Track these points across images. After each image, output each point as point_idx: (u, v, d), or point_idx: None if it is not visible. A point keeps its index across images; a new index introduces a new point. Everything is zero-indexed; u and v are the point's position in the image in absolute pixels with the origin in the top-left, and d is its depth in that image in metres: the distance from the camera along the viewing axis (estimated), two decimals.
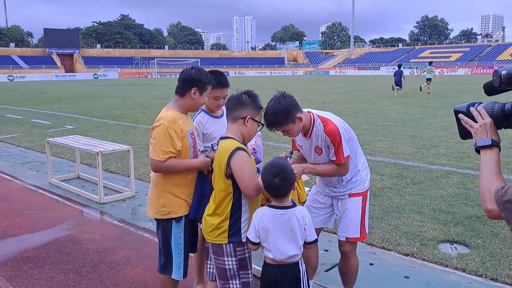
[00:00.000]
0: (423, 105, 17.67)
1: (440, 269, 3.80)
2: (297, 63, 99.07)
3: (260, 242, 2.46)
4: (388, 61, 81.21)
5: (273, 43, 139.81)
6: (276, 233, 2.41)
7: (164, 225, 2.87)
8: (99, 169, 5.77)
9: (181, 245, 2.86)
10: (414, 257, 4.03)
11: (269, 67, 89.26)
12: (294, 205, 2.44)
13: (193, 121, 3.20)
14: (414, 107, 16.75)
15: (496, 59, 66.38)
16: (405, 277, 3.68)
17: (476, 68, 61.00)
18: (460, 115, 1.85)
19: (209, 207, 2.59)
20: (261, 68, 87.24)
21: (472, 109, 1.79)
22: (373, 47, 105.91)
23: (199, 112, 3.26)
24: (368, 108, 16.68)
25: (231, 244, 2.46)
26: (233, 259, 2.47)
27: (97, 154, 5.69)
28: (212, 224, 2.50)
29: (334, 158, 2.80)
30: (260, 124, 2.54)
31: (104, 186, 6.05)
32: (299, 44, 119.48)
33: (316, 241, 2.48)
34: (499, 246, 4.14)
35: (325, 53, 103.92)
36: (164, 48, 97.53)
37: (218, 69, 3.22)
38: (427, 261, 3.95)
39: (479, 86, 29.93)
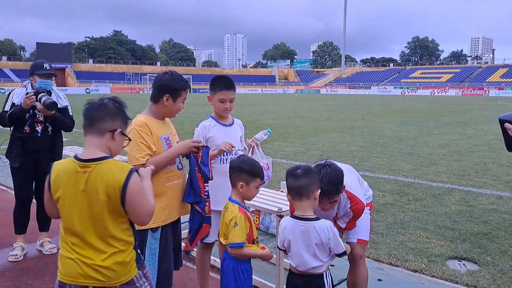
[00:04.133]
0: (418, 123, 17.79)
1: (451, 285, 3.71)
2: (288, 81, 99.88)
3: (285, 250, 2.46)
4: (379, 81, 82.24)
5: (264, 61, 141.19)
6: (296, 243, 2.35)
7: (139, 236, 2.62)
8: None
9: (155, 256, 2.67)
10: (423, 273, 3.94)
11: (260, 85, 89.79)
12: (317, 218, 2.36)
13: (198, 126, 3.14)
14: (408, 126, 16.86)
15: (486, 80, 67.60)
16: None
17: (467, 89, 62.03)
18: (507, 125, 1.78)
19: (99, 252, 1.93)
20: (252, 86, 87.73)
21: None
22: (364, 66, 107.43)
23: (207, 118, 3.21)
24: (362, 126, 16.73)
25: (140, 271, 2.06)
26: (145, 282, 2.09)
27: None
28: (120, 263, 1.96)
29: (346, 221, 2.83)
30: (128, 139, 2.12)
31: None
32: (290, 62, 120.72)
33: (344, 254, 2.38)
34: (509, 264, 4.06)
35: (316, 71, 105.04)
36: (156, 64, 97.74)
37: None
38: (436, 277, 3.86)
39: (471, 107, 30.36)
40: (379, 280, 3.81)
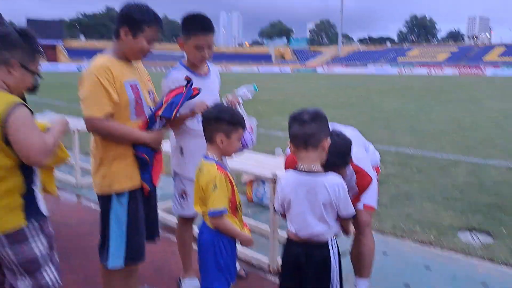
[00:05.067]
0: (418, 100, 17.33)
1: (464, 259, 3.34)
2: (285, 60, 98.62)
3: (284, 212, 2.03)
4: (376, 60, 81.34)
5: (261, 39, 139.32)
6: (299, 204, 1.93)
7: (103, 201, 2.28)
8: (76, 148, 5.17)
9: (122, 225, 2.26)
10: (433, 245, 3.57)
11: (256, 63, 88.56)
12: (325, 172, 1.93)
13: (167, 77, 2.58)
14: (409, 102, 16.40)
15: (483, 60, 66.97)
16: (425, 267, 3.20)
17: (464, 68, 61.42)
18: None
19: None
20: (248, 64, 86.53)
21: None
22: (361, 45, 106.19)
23: (177, 66, 2.64)
24: (361, 103, 16.27)
25: (31, 223, 1.84)
26: (42, 237, 1.87)
27: (74, 132, 5.09)
28: None
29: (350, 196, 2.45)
30: (36, 74, 1.89)
31: (81, 169, 5.45)
32: (287, 40, 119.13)
33: (353, 215, 1.98)
34: None
35: (313, 50, 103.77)
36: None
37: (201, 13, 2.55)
38: (447, 249, 3.49)
39: (469, 85, 29.93)
40: (385, 253, 3.42)
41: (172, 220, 3.95)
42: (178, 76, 2.57)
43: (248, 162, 3.46)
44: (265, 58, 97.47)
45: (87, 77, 2.15)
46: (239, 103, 2.66)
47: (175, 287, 2.87)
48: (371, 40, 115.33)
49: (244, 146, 2.56)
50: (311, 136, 1.89)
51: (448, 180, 5.41)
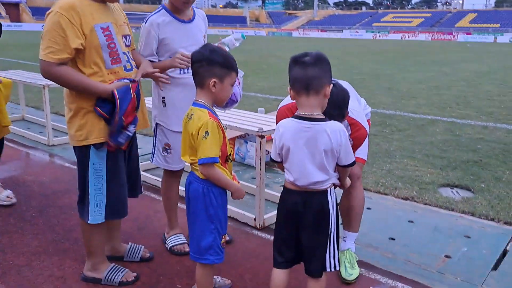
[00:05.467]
0: (394, 62, 17.41)
1: (446, 213, 3.38)
2: (260, 23, 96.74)
3: (282, 161, 1.93)
4: (352, 24, 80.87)
5: (234, 1, 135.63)
6: (299, 152, 1.83)
7: (81, 154, 2.14)
8: (46, 105, 4.89)
9: (101, 178, 2.14)
10: (415, 201, 3.60)
11: (230, 26, 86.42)
12: (326, 118, 1.83)
13: (146, 22, 2.39)
14: (385, 64, 16.45)
15: (456, 25, 67.60)
16: (409, 221, 3.23)
17: (437, 34, 61.91)
18: None
19: None
20: (222, 27, 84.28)
21: None
22: (336, 9, 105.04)
23: (159, 9, 2.44)
24: (338, 64, 16.16)
25: None
26: None
27: (43, 88, 4.80)
28: None
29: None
30: None
31: (53, 129, 5.19)
32: (262, 3, 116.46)
33: (353, 163, 1.89)
34: (505, 190, 3.78)
35: (288, 13, 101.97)
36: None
37: None
38: (429, 205, 3.52)
39: (443, 49, 30.19)
40: (368, 208, 3.42)
41: (153, 177, 3.83)
42: (158, 20, 2.40)
43: (233, 118, 3.34)
44: (240, 21, 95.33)
45: (50, 16, 1.96)
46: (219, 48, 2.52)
47: (160, 243, 2.79)
48: (346, 4, 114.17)
49: (233, 100, 2.44)
50: (313, 79, 1.77)
51: (427, 138, 5.47)
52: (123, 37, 2.20)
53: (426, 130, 5.93)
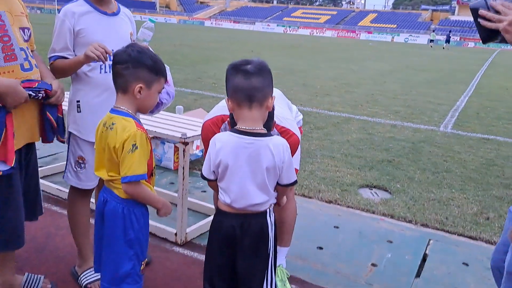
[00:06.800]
0: (306, 57, 17.91)
1: (368, 216, 3.42)
2: (170, 10, 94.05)
3: (217, 179, 1.70)
4: (263, 17, 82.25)
5: None
6: (238, 170, 1.63)
7: None
8: None
9: None
10: (338, 204, 3.60)
11: (139, 11, 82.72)
12: (269, 134, 1.66)
13: (60, 12, 2.05)
14: (297, 59, 16.83)
15: (358, 24, 72.13)
16: (334, 227, 3.20)
17: (342, 31, 65.48)
18: (482, 11, 1.54)
19: None
20: (130, 12, 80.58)
21: (493, 3, 1.55)
22: (249, 1, 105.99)
23: (76, 0, 2.09)
24: (251, 57, 16.16)
25: None
26: None
27: None
28: None
29: None
30: None
31: None
32: None
33: (294, 183, 1.73)
34: (418, 190, 3.94)
35: (200, 2, 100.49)
36: None
37: None
38: (352, 207, 3.54)
39: (348, 46, 31.90)
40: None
41: (54, 186, 3.34)
42: (73, 9, 2.04)
43: (150, 120, 3.00)
44: (149, 7, 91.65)
45: None
46: (147, 48, 2.20)
47: (65, 269, 2.38)
48: None
49: (161, 104, 2.14)
50: (257, 90, 1.58)
51: (344, 137, 5.59)
52: (21, 30, 1.80)
53: (342, 128, 6.08)
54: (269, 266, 1.77)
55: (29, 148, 1.97)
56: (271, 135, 1.65)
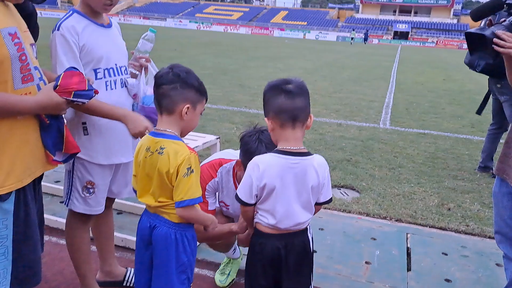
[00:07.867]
0: (231, 56, 17.97)
1: (346, 216, 3.61)
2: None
3: (256, 204, 1.70)
4: (175, 13, 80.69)
5: None
6: (285, 191, 1.65)
7: None
8: None
9: (6, 239, 1.58)
10: None
11: (38, 8, 76.45)
12: (310, 153, 1.69)
13: (59, 28, 1.90)
14: (224, 58, 16.83)
15: (271, 21, 73.97)
16: (319, 229, 3.33)
17: (255, 28, 66.65)
18: (496, 40, 1.74)
19: None
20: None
21: (499, 32, 1.76)
22: None
23: (70, 13, 1.96)
24: (178, 57, 15.86)
25: None
26: None
27: None
28: None
29: None
30: None
31: None
32: None
33: (330, 200, 1.80)
34: (382, 187, 4.24)
35: None
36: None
37: None
38: (329, 209, 3.71)
39: (265, 44, 32.60)
40: None
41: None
42: (74, 24, 1.91)
43: None
44: (48, 2, 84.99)
45: None
46: (148, 61, 2.18)
47: None
48: None
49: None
50: (301, 110, 1.62)
51: None
52: (32, 47, 1.64)
53: None
54: (311, 281, 1.83)
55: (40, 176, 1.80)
56: (312, 154, 1.71)
